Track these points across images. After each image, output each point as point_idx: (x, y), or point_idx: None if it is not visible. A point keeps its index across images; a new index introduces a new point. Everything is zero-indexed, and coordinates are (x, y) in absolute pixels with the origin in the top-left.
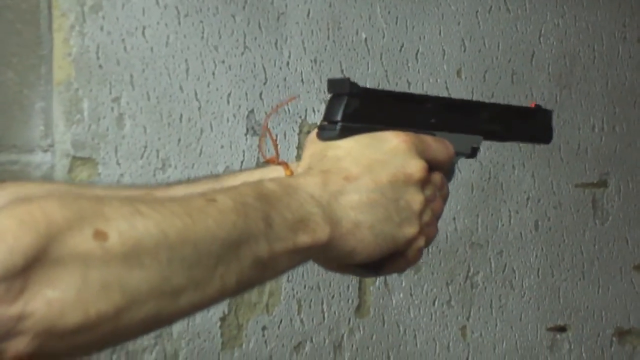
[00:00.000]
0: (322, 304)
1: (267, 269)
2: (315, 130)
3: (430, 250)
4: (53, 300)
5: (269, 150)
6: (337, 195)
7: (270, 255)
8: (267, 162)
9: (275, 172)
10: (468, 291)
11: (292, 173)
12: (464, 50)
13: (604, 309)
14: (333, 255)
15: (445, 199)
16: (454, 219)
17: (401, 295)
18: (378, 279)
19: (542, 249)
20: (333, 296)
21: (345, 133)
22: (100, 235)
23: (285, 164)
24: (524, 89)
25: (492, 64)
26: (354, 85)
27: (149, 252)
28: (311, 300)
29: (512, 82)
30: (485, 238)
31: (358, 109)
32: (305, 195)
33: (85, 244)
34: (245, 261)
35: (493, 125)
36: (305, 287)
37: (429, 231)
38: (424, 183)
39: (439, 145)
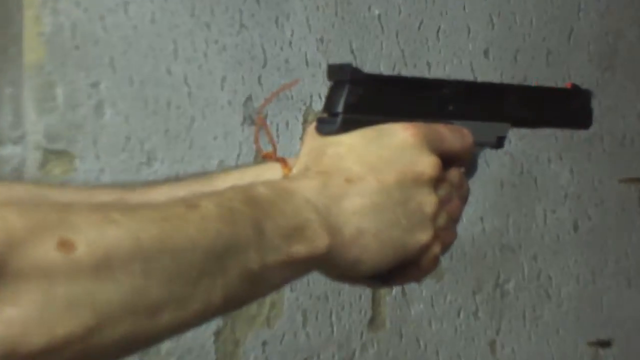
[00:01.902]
0: (331, 316)
1: (258, 283)
2: (314, 123)
3: (453, 254)
4: (14, 319)
5: (267, 144)
6: (338, 199)
7: (261, 267)
8: (264, 158)
9: (273, 169)
10: (498, 301)
11: (291, 171)
12: (492, 28)
13: None
14: (335, 267)
15: (464, 198)
16: (482, 219)
17: (421, 306)
18: (395, 287)
19: (582, 253)
20: (343, 307)
21: (347, 126)
22: (66, 246)
23: (283, 161)
24: (561, 71)
25: (523, 43)
26: (356, 71)
27: (122, 263)
28: (318, 312)
29: (547, 64)
30: (517, 241)
31: (362, 98)
32: (301, 200)
33: (49, 255)
34: (233, 274)
35: (522, 110)
36: (311, 297)
37: (445, 236)
38: (437, 182)
39: (455, 136)
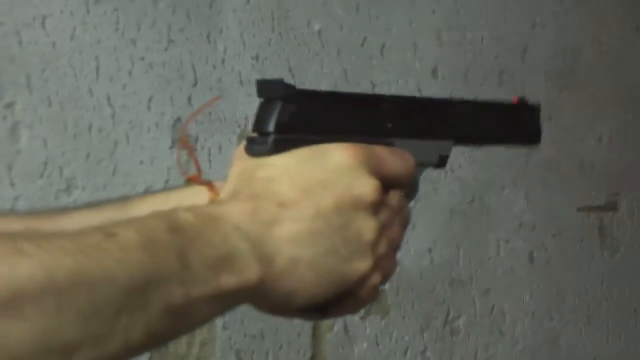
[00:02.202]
0: (267, 356)
1: (183, 318)
2: (243, 143)
3: (400, 288)
4: None
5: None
6: (270, 225)
7: (186, 301)
8: (189, 181)
9: (199, 194)
10: (448, 339)
11: (218, 195)
12: (441, 44)
13: None
14: (267, 299)
15: (405, 224)
16: (430, 250)
17: (365, 344)
18: (336, 324)
19: (538, 286)
20: (281, 346)
21: (279, 147)
22: None
23: (209, 185)
24: (515, 91)
25: (475, 61)
26: (289, 87)
27: (32, 299)
28: (253, 352)
29: (500, 83)
30: (469, 274)
31: (295, 116)
32: (229, 227)
33: None
34: (155, 309)
35: (466, 127)
36: (245, 335)
37: (385, 265)
38: (377, 206)
39: (395, 158)
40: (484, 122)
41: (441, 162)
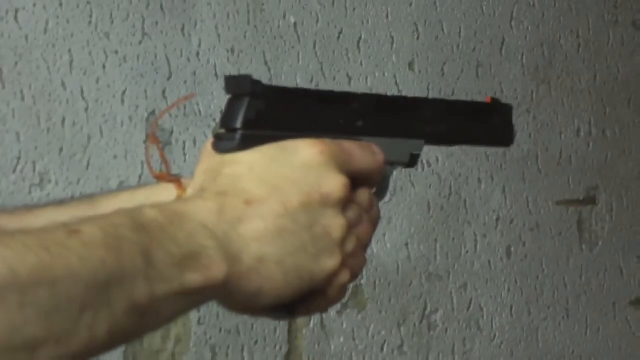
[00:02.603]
0: (243, 351)
1: (148, 316)
2: (210, 140)
3: (377, 283)
4: None
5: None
6: (236, 223)
7: (150, 298)
8: (156, 178)
9: (166, 190)
10: (425, 334)
11: (185, 192)
12: (417, 38)
13: (594, 354)
14: (233, 297)
15: (375, 221)
16: (407, 244)
17: (342, 339)
18: (313, 319)
19: (515, 281)
20: (256, 341)
21: (246, 144)
22: None
23: (177, 181)
24: (492, 84)
25: (452, 55)
26: (256, 83)
27: None
28: (229, 347)
29: (477, 77)
30: (446, 268)
31: (263, 113)
32: (195, 225)
33: None
34: (119, 307)
35: (437, 126)
36: (221, 330)
37: (353, 263)
38: (345, 203)
39: (364, 153)
40: (456, 121)
41: (412, 161)
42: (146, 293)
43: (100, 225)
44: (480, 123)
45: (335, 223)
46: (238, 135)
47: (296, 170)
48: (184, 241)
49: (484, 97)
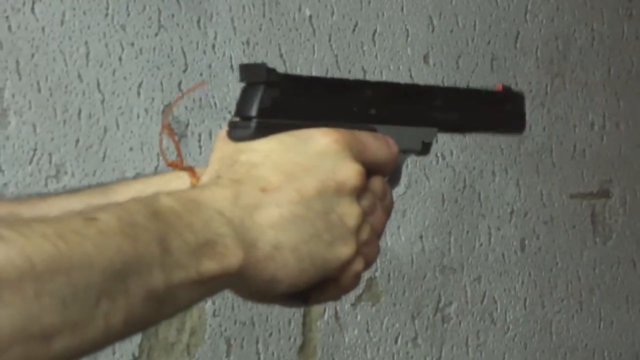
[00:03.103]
0: (257, 343)
1: (164, 304)
2: (225, 128)
3: (391, 275)
4: None
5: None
6: (252, 210)
7: (167, 286)
8: (170, 166)
9: (180, 179)
10: (439, 326)
11: (199, 180)
12: (432, 31)
13: (607, 347)
14: (248, 285)
15: (388, 210)
16: (421, 237)
17: (356, 331)
18: (327, 311)
19: (529, 274)
20: (271, 333)
21: (261, 132)
22: None
23: (191, 170)
24: (507, 77)
25: (466, 48)
26: (271, 71)
27: (11, 284)
28: (243, 339)
29: (492, 70)
30: (460, 261)
31: (277, 101)
32: (211, 212)
33: None
34: (136, 295)
35: (450, 114)
36: (236, 322)
37: (368, 251)
38: (360, 192)
39: (378, 143)
40: (468, 109)
41: (425, 149)
42: (162, 281)
43: (116, 213)
44: (492, 110)
45: (350, 211)
46: (253, 123)
47: (311, 158)
48: (200, 228)
49: None
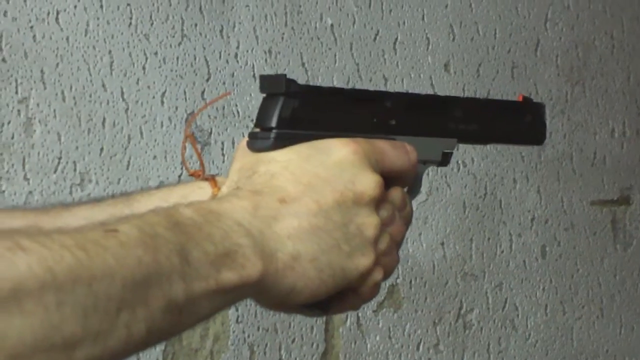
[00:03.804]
0: (280, 349)
1: (184, 314)
2: (245, 138)
3: (413, 282)
4: None
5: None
6: (271, 221)
7: (187, 297)
8: (192, 176)
9: (201, 189)
10: (460, 333)
11: (220, 190)
12: (453, 39)
13: (628, 353)
14: (268, 295)
15: (408, 220)
16: (443, 244)
17: (377, 338)
18: (349, 318)
19: (550, 280)
20: (294, 340)
21: (280, 142)
22: None
23: (212, 180)
24: (527, 85)
25: (487, 56)
26: (291, 82)
27: (32, 295)
28: (267, 346)
29: (512, 78)
30: (481, 268)
31: (297, 112)
32: (230, 223)
33: None
34: (156, 306)
35: (469, 125)
36: (259, 329)
37: (387, 261)
38: (379, 202)
39: (397, 152)
40: (488, 120)
41: (445, 160)
42: (183, 291)
43: (136, 225)
44: (513, 121)
45: (368, 221)
46: (272, 134)
47: (330, 169)
48: (220, 239)
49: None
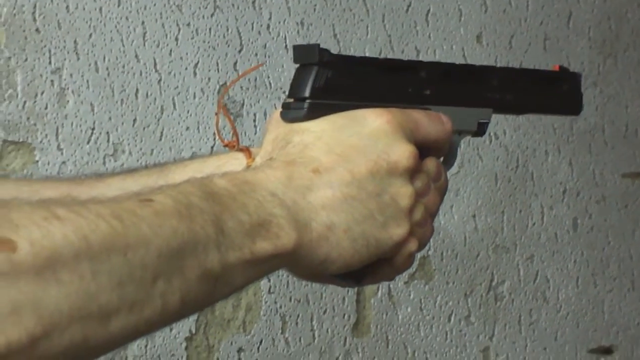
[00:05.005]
0: (312, 320)
1: (219, 284)
2: (278, 109)
3: (444, 254)
4: None
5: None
6: (305, 191)
7: (222, 267)
8: (226, 147)
9: (236, 159)
10: (491, 305)
11: (254, 161)
12: (485, 11)
13: None
14: (302, 265)
15: (442, 191)
16: (474, 216)
17: (409, 309)
18: (380, 289)
19: (581, 253)
20: (325, 311)
21: (314, 113)
22: (6, 246)
23: (247, 151)
24: (559, 57)
25: (519, 27)
26: (324, 52)
27: (68, 264)
28: (298, 316)
29: (545, 50)
30: (513, 240)
31: (330, 82)
32: (265, 193)
33: None
34: (191, 275)
35: (505, 94)
36: (291, 299)
37: (421, 232)
38: (413, 172)
39: (432, 122)
40: (524, 89)
41: (480, 130)
42: (218, 261)
43: (171, 195)
44: (548, 91)
45: (402, 192)
46: (306, 104)
47: (364, 139)
48: (254, 210)
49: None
